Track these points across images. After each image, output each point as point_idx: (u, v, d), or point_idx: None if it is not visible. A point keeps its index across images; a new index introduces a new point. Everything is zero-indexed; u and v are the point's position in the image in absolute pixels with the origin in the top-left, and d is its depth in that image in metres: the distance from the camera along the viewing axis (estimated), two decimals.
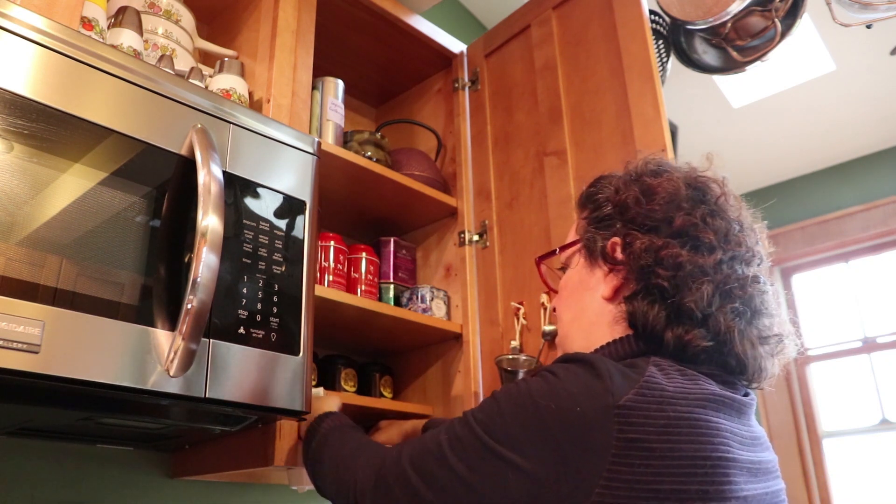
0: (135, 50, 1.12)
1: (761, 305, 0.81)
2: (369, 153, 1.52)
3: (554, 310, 1.00)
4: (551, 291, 1.00)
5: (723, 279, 0.79)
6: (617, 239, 0.86)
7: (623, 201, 0.87)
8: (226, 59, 1.33)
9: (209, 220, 0.89)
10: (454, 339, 1.57)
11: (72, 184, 0.86)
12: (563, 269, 0.97)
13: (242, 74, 1.31)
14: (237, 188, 1.03)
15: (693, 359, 0.77)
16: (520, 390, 0.73)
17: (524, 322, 1.46)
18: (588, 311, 0.88)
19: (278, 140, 1.12)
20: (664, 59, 1.86)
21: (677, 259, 0.79)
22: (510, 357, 1.41)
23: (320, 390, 1.23)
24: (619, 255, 0.85)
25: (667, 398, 0.69)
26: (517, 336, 1.45)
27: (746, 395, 0.80)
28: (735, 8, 1.64)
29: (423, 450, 0.78)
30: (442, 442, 0.76)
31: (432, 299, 1.56)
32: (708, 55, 1.85)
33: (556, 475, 0.66)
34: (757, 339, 0.80)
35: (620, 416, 0.66)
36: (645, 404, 0.67)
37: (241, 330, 0.98)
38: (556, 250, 0.98)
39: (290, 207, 1.10)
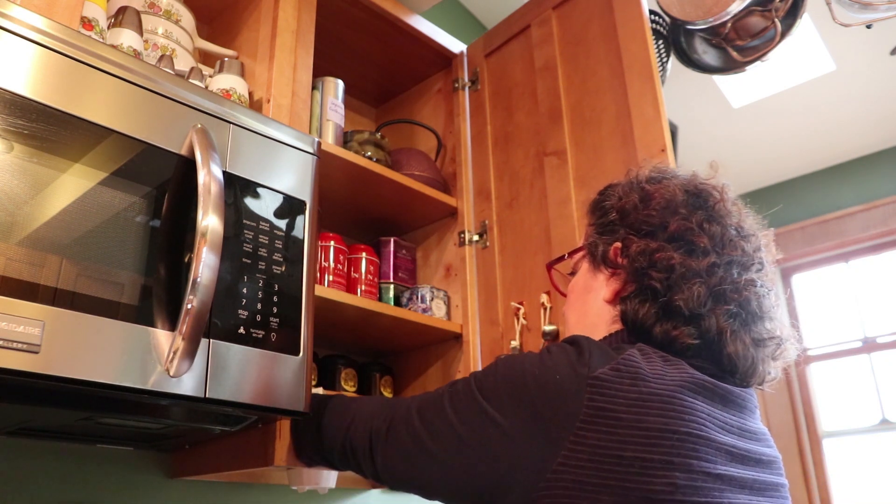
0: (135, 50, 1.12)
1: (758, 309, 0.83)
2: (369, 153, 1.52)
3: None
4: (562, 296, 1.05)
5: (716, 282, 0.81)
6: (618, 244, 0.89)
7: (623, 207, 0.90)
8: (226, 59, 1.33)
9: (209, 220, 0.89)
10: (454, 339, 1.57)
11: (72, 184, 0.86)
12: (573, 273, 1.01)
13: (242, 74, 1.31)
14: (237, 188, 1.03)
15: (681, 353, 0.79)
16: (516, 359, 0.80)
17: (524, 322, 1.46)
18: (590, 313, 0.92)
19: (278, 140, 1.12)
20: (664, 59, 1.86)
21: (670, 262, 0.81)
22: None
23: (319, 389, 1.23)
24: (619, 259, 0.88)
25: (641, 376, 0.72)
26: (517, 336, 1.45)
27: (744, 389, 0.82)
28: (735, 8, 1.64)
29: (429, 400, 0.87)
30: (444, 395, 0.84)
31: (432, 299, 1.56)
32: (708, 55, 1.85)
33: (530, 434, 0.72)
34: (752, 341, 0.81)
35: (593, 385, 0.71)
36: (618, 378, 0.71)
37: (241, 330, 0.98)
38: (565, 255, 1.03)
39: (290, 207, 1.10)
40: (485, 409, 0.77)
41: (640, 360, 0.74)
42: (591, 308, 0.92)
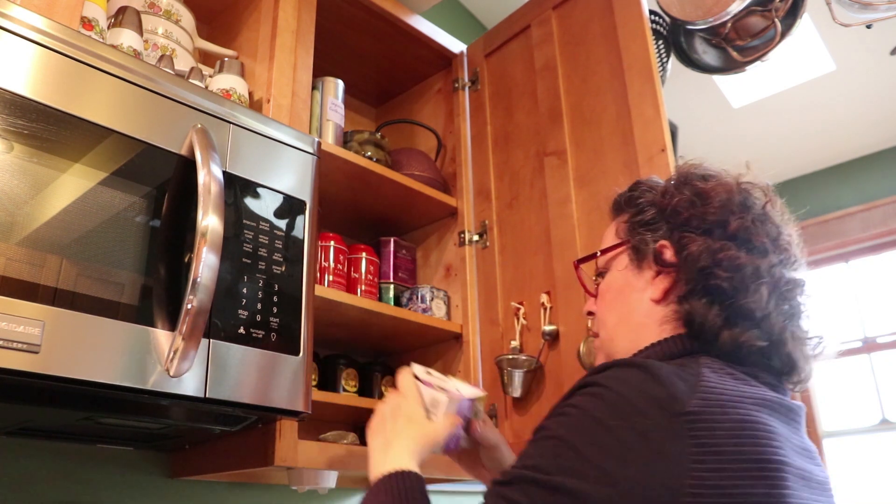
0: (135, 50, 1.12)
1: (804, 308, 0.83)
2: (369, 153, 1.52)
3: (589, 314, 0.99)
4: (590, 295, 0.99)
5: (775, 281, 0.80)
6: (665, 242, 0.86)
7: (673, 205, 0.87)
8: (226, 59, 1.33)
9: (209, 220, 0.89)
10: (454, 339, 1.57)
11: (72, 184, 0.86)
12: (602, 273, 0.96)
13: (242, 74, 1.31)
14: (237, 188, 1.03)
15: (742, 360, 0.77)
16: (580, 418, 0.68)
17: (524, 322, 1.46)
18: (635, 313, 0.88)
19: (278, 140, 1.12)
20: (664, 59, 1.86)
21: (736, 261, 0.80)
22: (510, 357, 1.41)
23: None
24: (669, 257, 0.85)
25: (725, 401, 0.68)
26: (517, 336, 1.45)
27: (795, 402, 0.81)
28: (735, 8, 1.64)
29: None
30: None
31: (432, 299, 1.56)
32: (708, 55, 1.85)
33: (647, 492, 0.63)
34: (801, 340, 0.81)
35: (689, 422, 0.65)
36: (709, 409, 0.66)
37: (242, 330, 0.98)
38: (597, 253, 0.97)
39: (290, 207, 1.10)
40: (578, 492, 0.63)
41: (717, 381, 0.70)
42: (637, 308, 0.87)
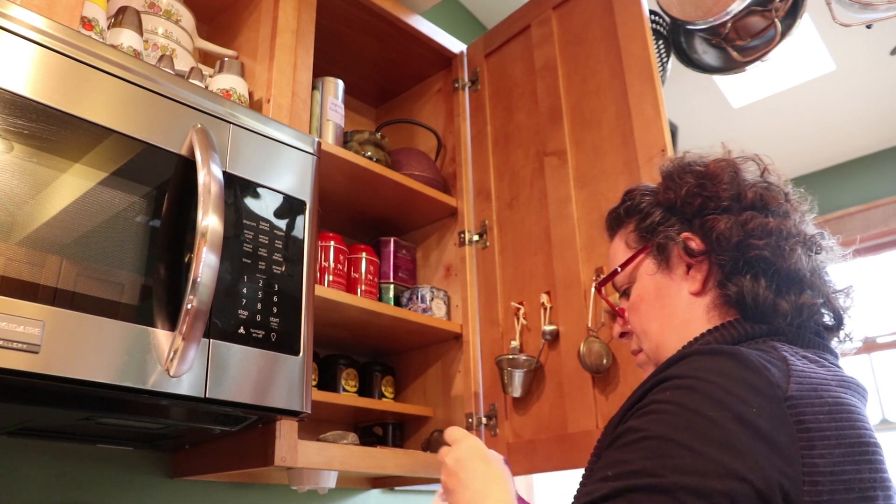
0: (135, 50, 1.12)
1: (829, 259, 0.84)
2: (369, 153, 1.52)
3: (622, 335, 0.96)
4: (620, 315, 0.96)
5: (804, 239, 0.81)
6: (688, 233, 0.85)
7: (682, 196, 0.87)
8: (226, 59, 1.33)
9: (209, 220, 0.89)
10: (454, 339, 1.57)
11: (72, 184, 0.86)
12: (626, 290, 0.93)
13: (242, 74, 1.31)
14: (237, 188, 1.03)
15: (803, 335, 0.77)
16: (678, 413, 0.62)
17: (524, 322, 1.46)
18: (677, 312, 0.85)
19: (278, 140, 1.12)
20: (664, 59, 1.86)
21: (767, 226, 0.80)
22: (510, 357, 1.41)
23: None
24: (697, 246, 0.84)
25: (815, 384, 0.66)
26: (517, 336, 1.45)
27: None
28: (735, 8, 1.64)
29: None
30: None
31: (432, 299, 1.56)
32: (708, 55, 1.84)
33: (768, 483, 0.58)
34: (841, 292, 0.82)
35: (791, 407, 0.62)
36: (805, 392, 0.64)
37: (241, 330, 0.98)
38: (617, 269, 0.94)
39: (290, 207, 1.10)
40: (700, 490, 0.57)
41: (802, 364, 0.68)
42: (677, 306, 0.85)
